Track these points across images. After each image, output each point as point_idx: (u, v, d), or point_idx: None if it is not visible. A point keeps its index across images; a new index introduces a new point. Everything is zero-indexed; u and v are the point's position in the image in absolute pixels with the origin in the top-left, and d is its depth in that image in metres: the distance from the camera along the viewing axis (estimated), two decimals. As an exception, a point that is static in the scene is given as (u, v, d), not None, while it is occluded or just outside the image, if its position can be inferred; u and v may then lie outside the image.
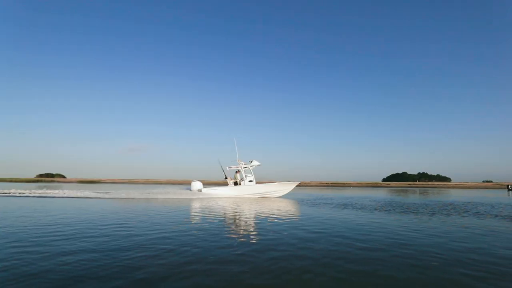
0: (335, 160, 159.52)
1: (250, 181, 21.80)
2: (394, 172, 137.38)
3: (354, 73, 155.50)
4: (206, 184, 25.92)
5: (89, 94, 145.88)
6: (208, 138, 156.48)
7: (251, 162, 22.05)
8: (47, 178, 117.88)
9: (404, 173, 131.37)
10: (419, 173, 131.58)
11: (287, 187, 22.65)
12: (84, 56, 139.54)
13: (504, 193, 40.68)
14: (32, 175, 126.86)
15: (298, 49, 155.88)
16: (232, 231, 7.51)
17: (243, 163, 22.09)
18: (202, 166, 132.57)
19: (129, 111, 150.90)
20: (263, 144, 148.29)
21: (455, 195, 30.70)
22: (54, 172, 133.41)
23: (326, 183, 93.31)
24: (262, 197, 21.27)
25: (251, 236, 6.76)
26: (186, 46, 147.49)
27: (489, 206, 15.99)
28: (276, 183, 22.69)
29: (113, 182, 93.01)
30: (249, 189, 21.62)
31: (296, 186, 23.61)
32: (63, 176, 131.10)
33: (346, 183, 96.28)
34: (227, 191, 21.69)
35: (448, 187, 77.06)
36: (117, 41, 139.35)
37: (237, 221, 9.42)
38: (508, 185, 54.48)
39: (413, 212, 12.32)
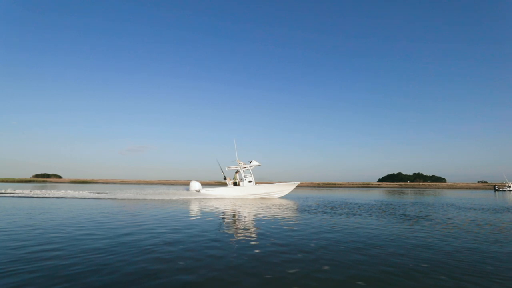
0: (335, 161, 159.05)
1: (250, 181, 21.47)
2: (391, 173, 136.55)
3: (354, 73, 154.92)
4: (205, 184, 25.69)
5: (89, 94, 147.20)
6: (208, 138, 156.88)
7: (250, 162, 21.71)
8: (42, 178, 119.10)
9: (400, 174, 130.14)
10: (414, 174, 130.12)
11: (287, 188, 22.43)
12: (84, 56, 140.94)
13: (491, 193, 40.55)
14: (30, 175, 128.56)
15: (298, 49, 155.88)
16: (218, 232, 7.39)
17: (243, 164, 21.75)
18: (202, 166, 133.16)
19: (129, 111, 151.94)
20: (263, 144, 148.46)
21: (427, 196, 30.20)
22: (51, 173, 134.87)
23: (317, 184, 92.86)
24: (261, 197, 21.00)
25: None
26: (186, 47, 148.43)
27: (423, 206, 15.89)
28: (275, 183, 22.45)
29: (105, 183, 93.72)
30: (248, 189, 21.30)
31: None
32: (59, 177, 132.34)
33: (337, 184, 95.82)
34: (226, 192, 21.35)
35: (439, 188, 76.42)
36: (117, 42, 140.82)
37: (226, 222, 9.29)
38: (494, 186, 54.06)
39: (330, 213, 11.84)
